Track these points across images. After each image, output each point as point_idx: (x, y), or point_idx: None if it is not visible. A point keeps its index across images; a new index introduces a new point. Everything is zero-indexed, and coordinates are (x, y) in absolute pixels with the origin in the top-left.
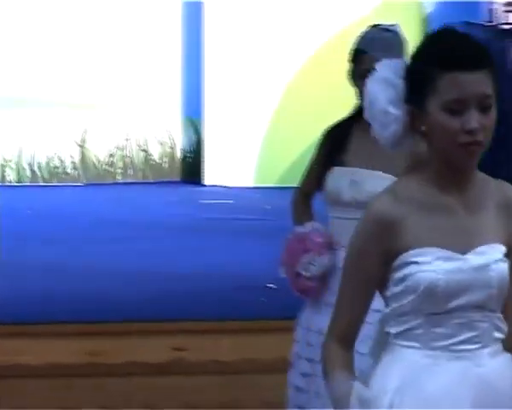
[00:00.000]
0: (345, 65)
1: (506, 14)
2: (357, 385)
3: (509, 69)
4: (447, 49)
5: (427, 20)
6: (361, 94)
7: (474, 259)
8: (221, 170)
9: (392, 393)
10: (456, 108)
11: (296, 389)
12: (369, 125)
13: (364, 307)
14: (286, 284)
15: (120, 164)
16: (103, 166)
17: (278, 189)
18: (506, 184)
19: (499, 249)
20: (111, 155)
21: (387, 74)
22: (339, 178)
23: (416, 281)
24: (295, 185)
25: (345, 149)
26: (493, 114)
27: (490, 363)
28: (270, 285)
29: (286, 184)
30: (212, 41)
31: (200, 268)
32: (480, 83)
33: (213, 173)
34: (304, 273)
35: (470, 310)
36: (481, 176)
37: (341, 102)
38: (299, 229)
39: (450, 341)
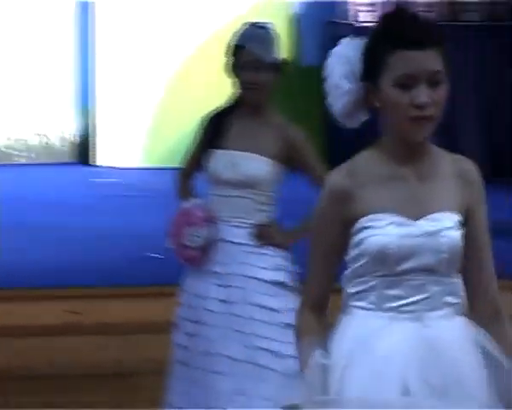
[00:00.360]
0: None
1: (367, 13)
2: (317, 352)
3: None
4: (398, 28)
5: (294, 18)
6: (241, 84)
7: (425, 225)
8: (112, 152)
9: (346, 355)
10: (406, 83)
11: (180, 348)
12: (248, 112)
13: (332, 273)
14: (172, 253)
15: (18, 146)
16: (1, 149)
17: (164, 169)
18: (464, 158)
19: (452, 218)
20: (8, 139)
21: (346, 51)
22: (219, 160)
23: (369, 244)
24: (178, 166)
25: (224, 134)
26: (443, 89)
27: (440, 325)
28: (157, 255)
29: (170, 165)
30: (103, 36)
31: (92, 240)
32: (428, 60)
33: (105, 155)
34: (188, 244)
35: (421, 273)
36: (436, 149)
37: (220, 91)
38: (184, 204)
39: (402, 302)
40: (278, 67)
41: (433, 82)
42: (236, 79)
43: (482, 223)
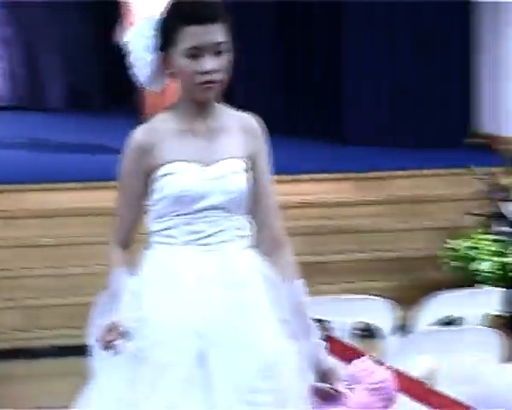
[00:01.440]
0: None
1: None
2: (128, 279)
3: None
4: (185, 6)
5: None
6: None
7: (215, 170)
8: None
9: (152, 283)
10: (194, 53)
11: None
12: None
13: (136, 216)
14: None
15: None
16: None
17: None
18: (249, 116)
19: (237, 164)
20: None
21: (140, 30)
22: None
23: (168, 189)
24: None
25: None
26: (225, 57)
27: (232, 254)
28: None
29: None
30: None
31: None
32: (212, 33)
33: None
34: None
35: (214, 211)
36: (224, 107)
37: None
38: None
39: (199, 235)
40: None
41: (216, 52)
42: None
43: (265, 169)
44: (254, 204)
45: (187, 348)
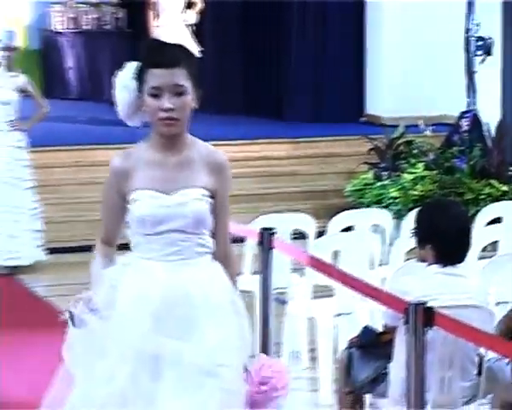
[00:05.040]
0: None
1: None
2: (107, 268)
3: None
4: (152, 51)
5: None
6: None
7: (176, 198)
8: None
9: (126, 284)
10: (156, 93)
11: None
12: None
13: (117, 222)
14: None
15: None
16: None
17: None
18: (217, 151)
19: (197, 192)
20: None
21: (125, 72)
22: None
23: (134, 213)
24: None
25: None
26: (186, 98)
27: (187, 270)
28: None
29: None
30: None
31: None
32: (172, 76)
33: None
34: None
35: (173, 233)
36: (194, 140)
37: None
38: None
39: (159, 253)
40: None
41: (176, 92)
42: None
43: (224, 198)
44: (214, 224)
45: (143, 335)
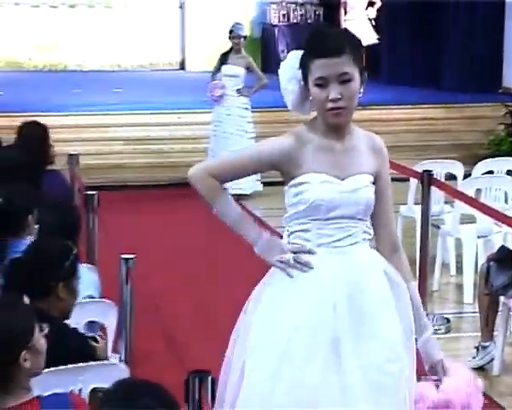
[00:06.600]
0: None
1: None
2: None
3: None
4: (315, 42)
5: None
6: None
7: (349, 184)
8: None
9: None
10: (321, 83)
11: None
12: None
13: (242, 175)
14: None
15: None
16: None
17: None
18: (374, 136)
19: (367, 178)
20: None
21: (289, 62)
22: None
23: (307, 196)
24: None
25: None
26: (352, 86)
27: (359, 255)
28: None
29: None
30: None
31: None
32: (336, 65)
33: None
34: None
35: (345, 219)
36: (355, 128)
37: None
38: None
39: (330, 239)
40: None
41: (342, 81)
42: None
43: (387, 181)
44: (375, 211)
45: (324, 334)
